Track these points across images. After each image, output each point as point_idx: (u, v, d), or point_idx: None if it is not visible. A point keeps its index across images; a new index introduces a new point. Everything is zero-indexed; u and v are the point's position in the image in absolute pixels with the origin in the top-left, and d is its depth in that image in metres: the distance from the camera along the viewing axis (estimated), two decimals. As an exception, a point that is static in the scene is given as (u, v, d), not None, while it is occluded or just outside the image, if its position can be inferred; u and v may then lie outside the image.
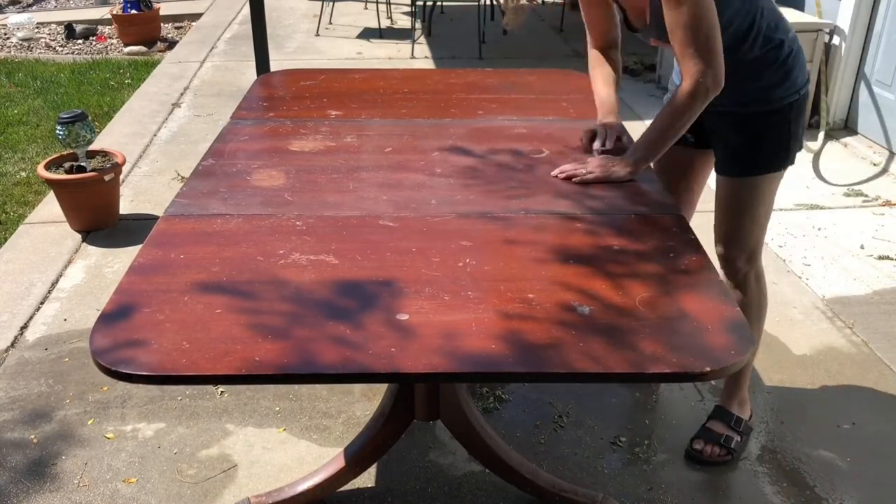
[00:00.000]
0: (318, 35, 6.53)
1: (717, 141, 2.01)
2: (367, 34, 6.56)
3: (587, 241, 1.61)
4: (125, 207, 3.53)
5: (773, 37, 1.86)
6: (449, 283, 1.46)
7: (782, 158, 1.95)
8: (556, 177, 1.90)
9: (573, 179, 1.88)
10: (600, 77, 2.11)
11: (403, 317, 1.35)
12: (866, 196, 3.70)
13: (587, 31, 2.12)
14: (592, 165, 1.89)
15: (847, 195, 3.71)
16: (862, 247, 3.25)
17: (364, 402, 2.35)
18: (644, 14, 1.88)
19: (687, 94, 1.76)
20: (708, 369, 1.24)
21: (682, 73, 1.77)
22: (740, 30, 1.83)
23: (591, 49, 2.13)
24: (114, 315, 1.35)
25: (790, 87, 1.89)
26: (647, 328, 1.33)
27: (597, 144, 2.01)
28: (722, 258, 2.05)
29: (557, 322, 1.35)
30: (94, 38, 6.68)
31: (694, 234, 1.66)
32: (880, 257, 3.17)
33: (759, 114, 1.91)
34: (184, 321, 1.33)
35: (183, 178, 3.83)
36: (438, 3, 6.75)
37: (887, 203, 3.63)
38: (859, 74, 4.31)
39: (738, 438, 2.15)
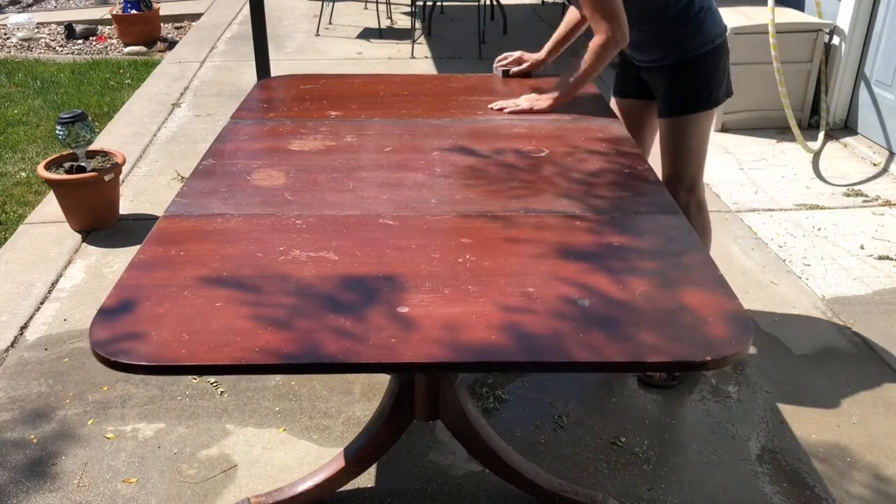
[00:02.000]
0: (318, 35, 6.53)
1: (654, 91, 2.38)
2: (367, 34, 6.56)
3: (587, 239, 1.61)
4: (125, 207, 3.53)
5: None
6: (449, 277, 1.46)
7: (704, 99, 2.29)
8: (493, 109, 2.34)
9: (504, 110, 2.31)
10: (568, 21, 2.53)
11: (403, 309, 1.35)
12: (866, 196, 3.70)
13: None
14: (521, 100, 2.34)
15: (847, 195, 3.71)
16: (862, 247, 3.24)
17: (364, 402, 2.35)
18: None
19: (599, 46, 2.16)
20: (709, 358, 1.25)
21: (595, 32, 2.16)
22: None
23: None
24: (114, 308, 1.35)
25: (703, 38, 2.23)
26: (647, 320, 1.34)
27: (497, 63, 2.65)
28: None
29: (557, 314, 1.35)
30: (94, 38, 6.68)
31: (693, 231, 1.66)
32: (880, 257, 3.17)
33: (678, 63, 2.27)
34: (184, 314, 1.33)
35: (183, 177, 3.83)
36: (438, 3, 6.75)
37: (887, 203, 3.63)
38: (859, 74, 4.31)
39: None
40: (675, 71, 2.28)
